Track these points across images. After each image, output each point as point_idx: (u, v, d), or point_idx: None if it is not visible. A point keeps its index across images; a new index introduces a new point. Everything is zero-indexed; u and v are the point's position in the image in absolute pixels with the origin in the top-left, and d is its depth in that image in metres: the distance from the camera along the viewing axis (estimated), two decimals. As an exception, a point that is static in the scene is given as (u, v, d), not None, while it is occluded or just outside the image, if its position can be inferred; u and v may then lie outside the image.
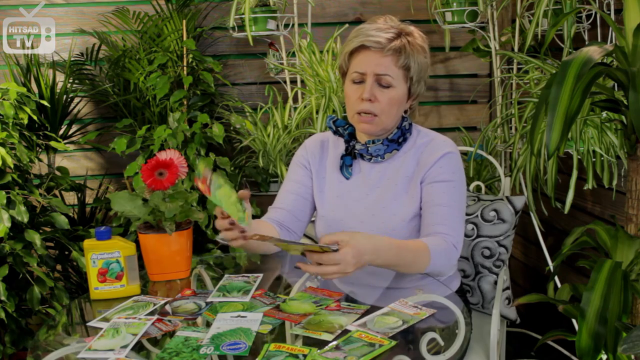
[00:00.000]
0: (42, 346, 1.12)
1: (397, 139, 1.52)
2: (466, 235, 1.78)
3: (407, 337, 1.09)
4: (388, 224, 1.48)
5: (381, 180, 1.54)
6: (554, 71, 1.86)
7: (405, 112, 1.55)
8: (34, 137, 2.31)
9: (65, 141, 2.53)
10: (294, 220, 1.58)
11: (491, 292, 1.78)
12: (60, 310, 1.36)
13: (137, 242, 1.43)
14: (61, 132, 2.55)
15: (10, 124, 2.12)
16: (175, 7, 2.54)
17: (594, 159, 1.90)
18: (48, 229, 2.22)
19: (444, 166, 1.48)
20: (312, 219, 1.66)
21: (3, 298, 1.97)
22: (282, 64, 2.50)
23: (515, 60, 2.38)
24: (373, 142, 1.52)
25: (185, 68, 2.46)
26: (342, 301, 1.26)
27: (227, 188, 1.21)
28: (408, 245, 1.33)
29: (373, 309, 1.20)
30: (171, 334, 1.13)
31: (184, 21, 2.46)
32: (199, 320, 1.20)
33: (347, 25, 2.40)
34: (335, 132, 1.59)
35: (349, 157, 1.56)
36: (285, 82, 2.53)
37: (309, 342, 1.07)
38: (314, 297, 1.28)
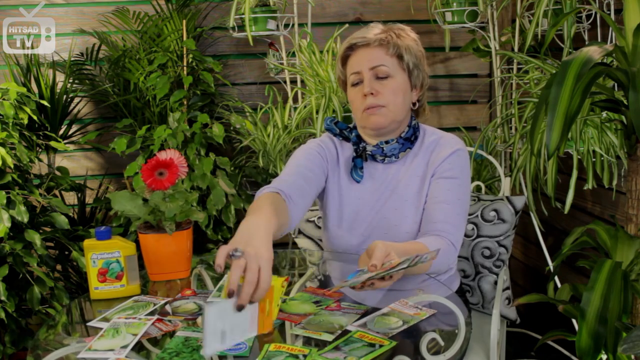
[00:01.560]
0: (42, 346, 1.12)
1: (410, 137, 1.53)
2: (466, 235, 1.78)
3: (407, 338, 1.09)
4: (400, 227, 1.49)
5: (392, 181, 1.53)
6: (554, 71, 1.86)
7: (414, 104, 1.55)
8: (34, 137, 2.31)
9: (65, 141, 2.52)
10: (297, 196, 1.44)
11: (491, 292, 1.78)
12: (60, 310, 1.36)
13: (137, 242, 1.43)
14: (61, 132, 2.55)
15: (10, 124, 2.12)
16: (175, 7, 2.54)
17: (594, 159, 1.90)
18: (48, 229, 2.22)
19: (452, 162, 1.49)
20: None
21: (3, 298, 1.97)
22: (282, 64, 2.49)
23: (515, 60, 2.38)
24: (387, 142, 1.52)
25: (185, 68, 2.46)
26: (342, 301, 1.26)
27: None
28: (413, 250, 1.33)
29: (373, 309, 1.20)
30: (171, 334, 1.13)
31: (184, 21, 2.46)
32: (199, 320, 1.20)
33: (347, 25, 2.40)
34: (339, 134, 1.58)
35: (360, 159, 1.54)
36: (285, 82, 2.52)
37: (309, 342, 1.07)
38: (314, 297, 1.28)
